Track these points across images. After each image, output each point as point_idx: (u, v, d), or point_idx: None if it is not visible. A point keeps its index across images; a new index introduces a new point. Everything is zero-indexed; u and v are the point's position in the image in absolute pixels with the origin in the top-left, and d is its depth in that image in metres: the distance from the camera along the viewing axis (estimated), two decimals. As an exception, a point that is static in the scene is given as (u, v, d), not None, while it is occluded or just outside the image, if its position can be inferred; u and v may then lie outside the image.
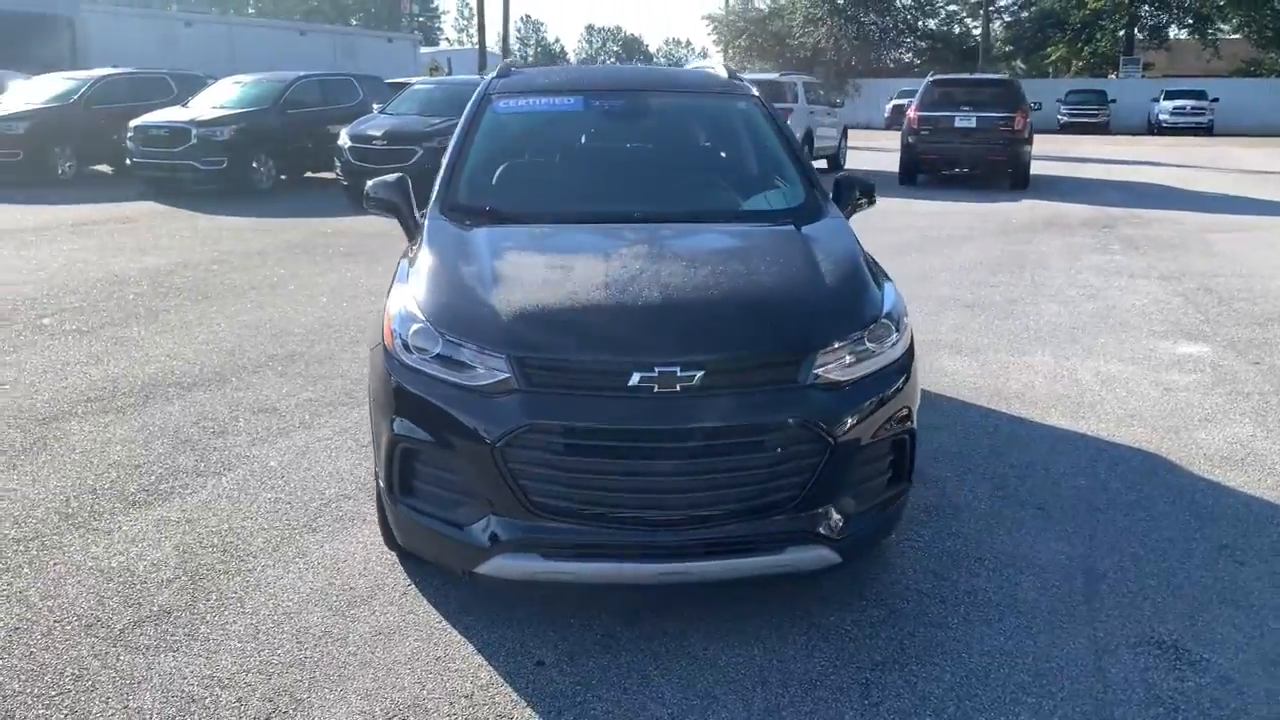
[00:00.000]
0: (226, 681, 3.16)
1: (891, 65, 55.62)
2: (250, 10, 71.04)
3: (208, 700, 3.06)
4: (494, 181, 4.53)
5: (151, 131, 15.58)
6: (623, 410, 3.17)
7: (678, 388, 3.16)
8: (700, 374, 3.19)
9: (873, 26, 54.34)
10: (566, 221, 4.20)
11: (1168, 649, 3.38)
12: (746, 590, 3.62)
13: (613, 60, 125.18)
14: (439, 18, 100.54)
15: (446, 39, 39.38)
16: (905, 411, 3.55)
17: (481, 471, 3.20)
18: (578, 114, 4.96)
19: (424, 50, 65.33)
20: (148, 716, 2.98)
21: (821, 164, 20.09)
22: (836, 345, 3.39)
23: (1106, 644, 3.42)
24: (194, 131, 15.30)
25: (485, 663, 3.30)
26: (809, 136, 19.36)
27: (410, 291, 3.60)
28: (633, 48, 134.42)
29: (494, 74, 5.05)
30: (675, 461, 3.18)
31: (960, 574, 3.89)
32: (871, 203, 4.73)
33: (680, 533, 3.21)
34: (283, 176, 17.02)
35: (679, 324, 3.37)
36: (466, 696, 3.11)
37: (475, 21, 45.74)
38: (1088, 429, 5.43)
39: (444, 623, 3.54)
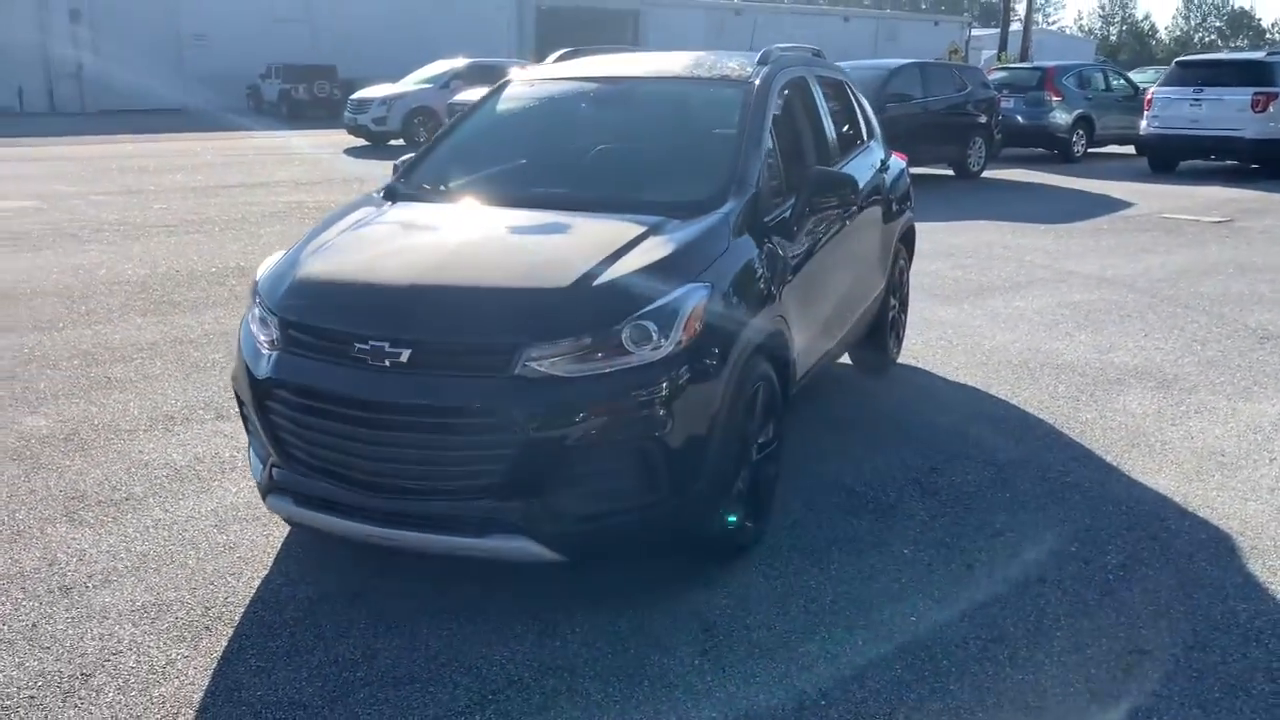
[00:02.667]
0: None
1: None
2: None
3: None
4: (450, 162, 4.73)
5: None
6: (342, 378, 3.31)
7: (386, 363, 3.26)
8: (408, 352, 3.25)
9: None
10: (476, 201, 4.28)
11: None
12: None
13: (1213, 39, 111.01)
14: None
15: (1019, 19, 37.59)
16: (657, 418, 3.24)
17: (258, 420, 3.58)
18: (571, 100, 5.02)
19: (976, 32, 63.33)
20: None
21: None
22: (561, 340, 3.21)
23: None
24: None
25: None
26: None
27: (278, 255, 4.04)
28: (1239, 22, 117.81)
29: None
30: (380, 432, 3.28)
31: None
32: (846, 204, 4.21)
33: (390, 500, 3.32)
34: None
35: (404, 304, 3.41)
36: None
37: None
38: None
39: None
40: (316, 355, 3.40)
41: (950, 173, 16.58)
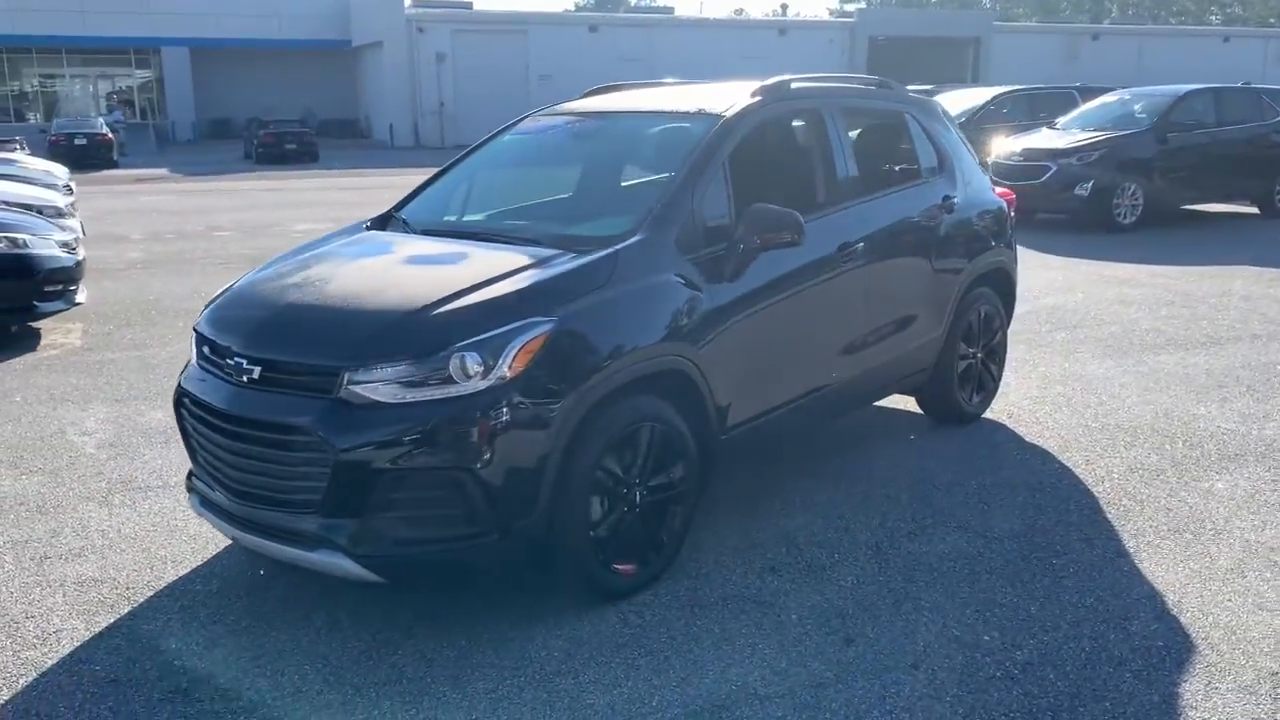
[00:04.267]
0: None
1: None
2: (1172, 20, 67.47)
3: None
4: (431, 194, 4.82)
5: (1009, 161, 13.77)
6: (214, 390, 3.64)
7: (244, 378, 3.56)
8: (258, 369, 3.52)
9: None
10: (422, 232, 4.45)
11: None
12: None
13: None
14: None
15: None
16: (474, 450, 3.27)
17: (178, 425, 3.93)
18: (550, 136, 5.04)
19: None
20: None
21: None
22: (383, 366, 3.33)
23: None
24: (1053, 166, 13.30)
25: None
26: None
27: None
28: None
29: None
30: (236, 443, 3.57)
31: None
32: (788, 243, 3.98)
33: (249, 508, 3.60)
34: (1146, 209, 13.35)
35: (269, 323, 3.62)
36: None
37: None
38: None
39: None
40: (208, 367, 3.71)
41: (1255, 210, 14.65)
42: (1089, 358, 6.99)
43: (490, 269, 3.72)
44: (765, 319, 4.17)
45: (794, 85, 4.74)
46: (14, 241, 7.81)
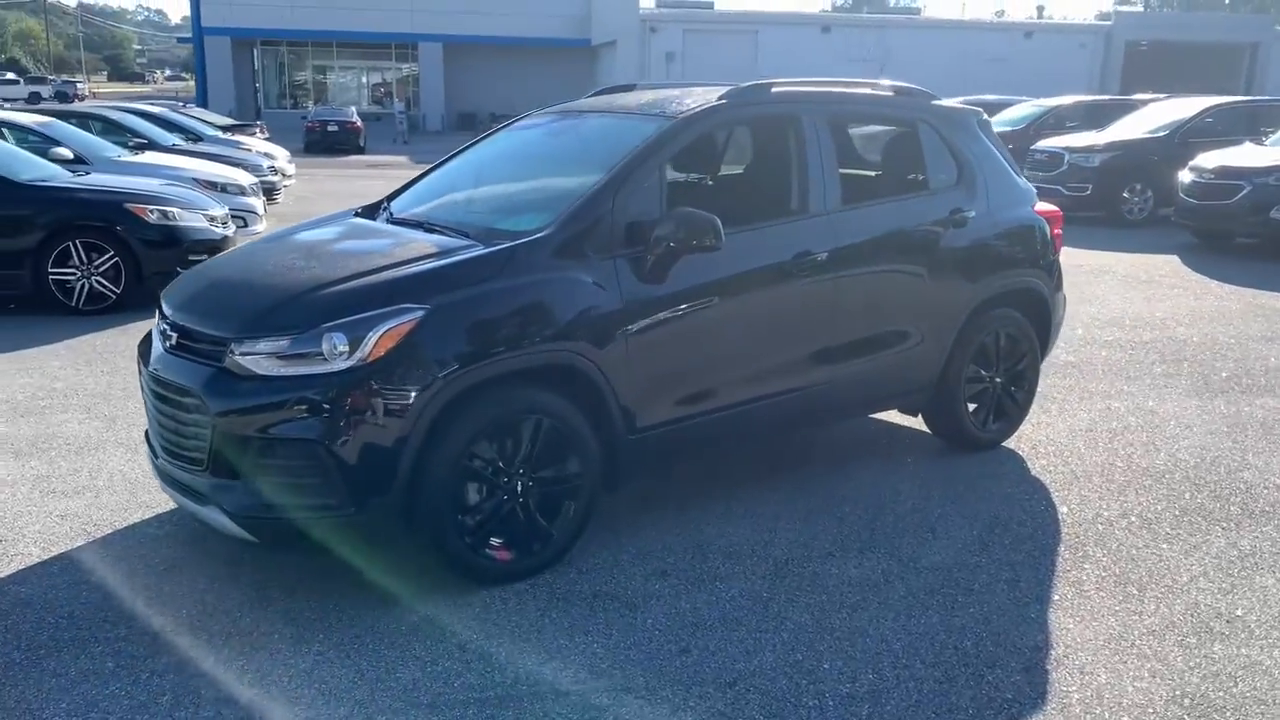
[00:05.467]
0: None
1: None
2: None
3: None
4: (416, 187, 5.01)
5: (1037, 155, 16.03)
6: (152, 351, 3.95)
7: (167, 344, 3.93)
8: (176, 336, 3.88)
9: None
10: (391, 221, 4.63)
11: None
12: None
13: None
14: None
15: None
16: (332, 426, 3.45)
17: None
18: (529, 134, 5.15)
19: None
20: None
21: None
22: (262, 339, 3.59)
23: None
24: (1067, 157, 15.28)
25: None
26: None
27: None
28: None
29: None
30: (155, 400, 3.87)
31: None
32: (706, 248, 3.94)
33: (165, 462, 3.88)
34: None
35: (198, 294, 3.99)
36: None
37: None
38: None
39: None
40: (155, 331, 4.08)
41: None
42: (1175, 394, 6.41)
43: (398, 256, 3.92)
44: (692, 323, 4.14)
45: (774, 89, 4.65)
46: (165, 214, 8.74)
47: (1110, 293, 9.79)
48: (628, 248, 4.01)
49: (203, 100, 44.89)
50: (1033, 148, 16.22)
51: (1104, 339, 7.93)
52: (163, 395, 3.83)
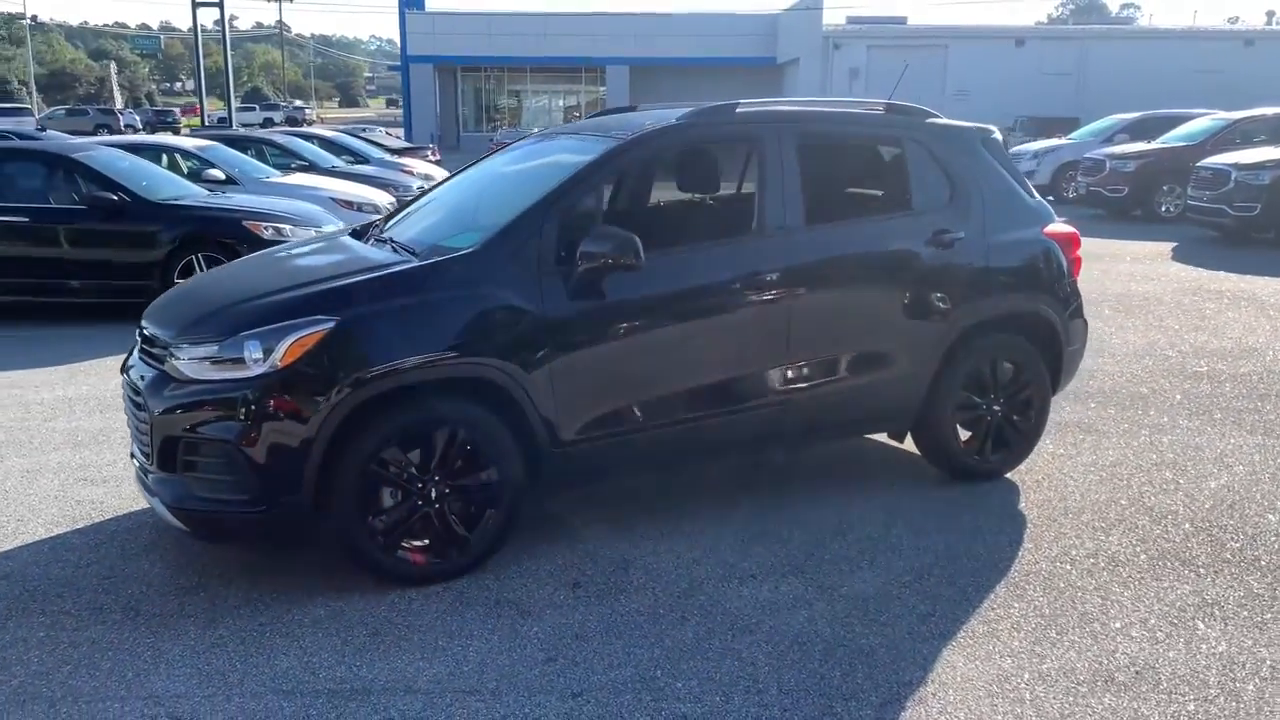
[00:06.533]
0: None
1: None
2: None
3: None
4: (407, 208, 5.26)
5: (1202, 172, 15.00)
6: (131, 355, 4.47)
7: (137, 346, 4.34)
8: (140, 342, 4.29)
9: None
10: (369, 241, 4.77)
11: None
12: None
13: None
14: None
15: None
16: (243, 428, 3.71)
17: None
18: (513, 151, 5.31)
19: None
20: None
21: None
22: (196, 345, 3.86)
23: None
24: (1234, 175, 14.26)
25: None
26: None
27: None
28: None
29: None
30: (128, 403, 4.26)
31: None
32: (626, 266, 4.00)
33: (139, 461, 4.22)
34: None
35: (164, 303, 4.38)
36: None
37: None
38: None
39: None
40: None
41: None
42: (1236, 433, 5.91)
43: (336, 271, 4.18)
44: (625, 341, 4.20)
45: (739, 110, 4.65)
46: (278, 230, 9.45)
47: (1234, 321, 9.06)
48: (557, 266, 4.12)
49: (408, 123, 47.71)
50: (1197, 164, 15.14)
51: (1195, 369, 7.37)
52: (129, 397, 4.23)
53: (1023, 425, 5.16)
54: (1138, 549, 4.35)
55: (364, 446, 3.82)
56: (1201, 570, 4.16)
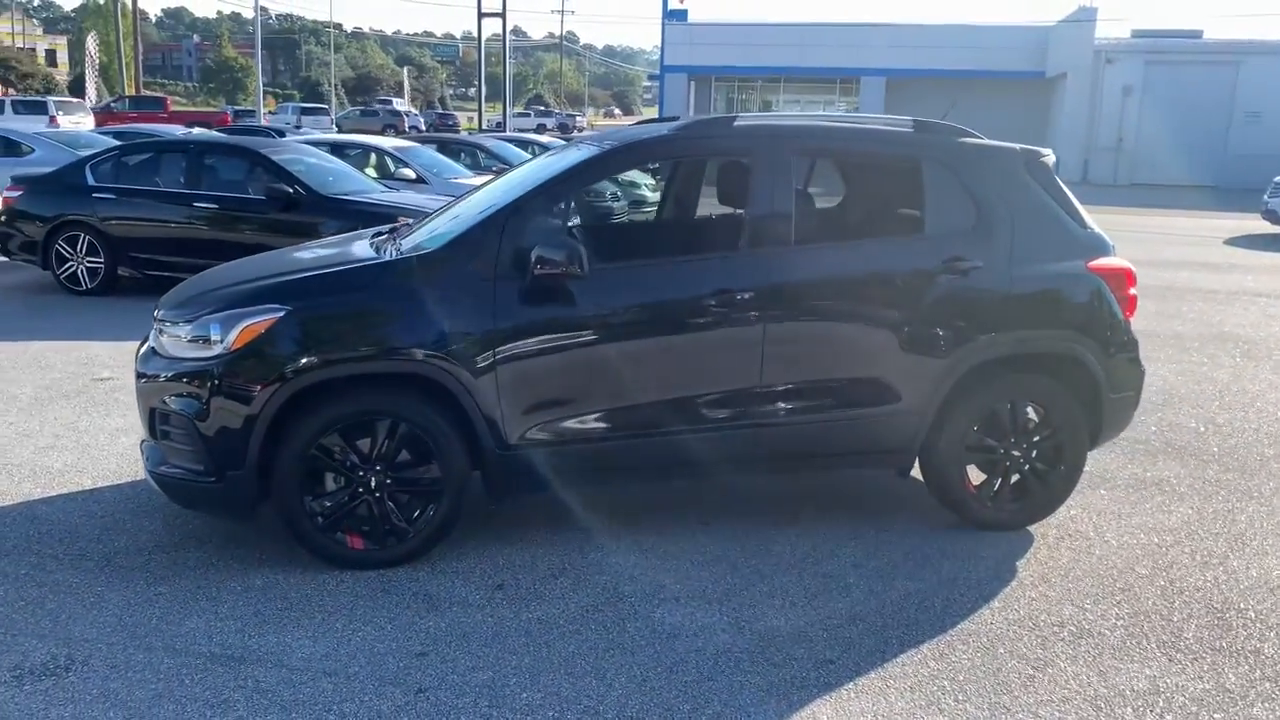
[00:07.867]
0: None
1: None
2: None
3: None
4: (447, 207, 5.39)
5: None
6: None
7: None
8: (153, 322, 4.67)
9: None
10: (386, 241, 5.04)
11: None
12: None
13: None
14: None
15: None
16: (198, 405, 4.01)
17: None
18: (538, 159, 5.29)
19: None
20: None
21: None
22: (178, 325, 4.18)
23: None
24: None
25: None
26: None
27: None
28: None
29: None
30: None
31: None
32: (546, 272, 4.01)
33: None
34: None
35: (175, 290, 4.65)
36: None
37: None
38: None
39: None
40: None
41: None
42: (1352, 507, 5.13)
43: (315, 265, 4.43)
44: (574, 350, 4.20)
45: (737, 124, 4.52)
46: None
47: None
48: (514, 271, 4.18)
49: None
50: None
51: (1347, 433, 6.43)
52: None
53: (1049, 475, 4.70)
54: (1118, 624, 3.89)
55: (304, 431, 4.04)
56: (1178, 656, 3.66)
